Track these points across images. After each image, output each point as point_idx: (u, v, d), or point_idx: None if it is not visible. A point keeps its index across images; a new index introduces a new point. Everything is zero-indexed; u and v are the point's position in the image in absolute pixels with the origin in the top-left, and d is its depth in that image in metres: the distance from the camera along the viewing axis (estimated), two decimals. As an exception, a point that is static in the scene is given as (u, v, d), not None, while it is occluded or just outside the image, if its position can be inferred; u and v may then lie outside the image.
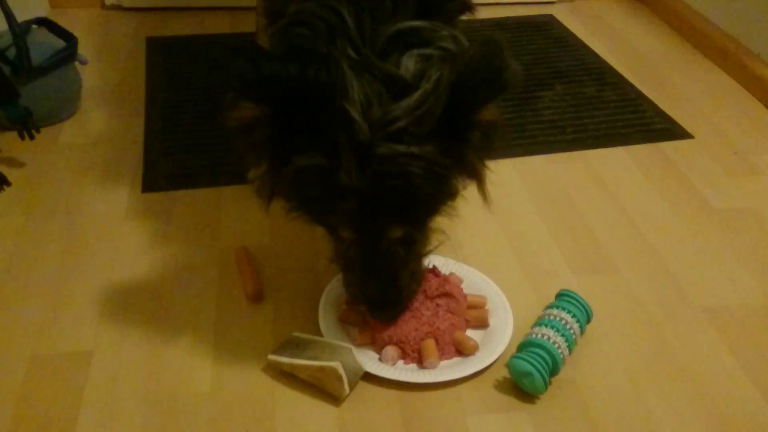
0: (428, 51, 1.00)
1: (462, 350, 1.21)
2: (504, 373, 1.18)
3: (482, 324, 1.26)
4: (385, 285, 1.12)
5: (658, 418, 1.13)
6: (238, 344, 1.23)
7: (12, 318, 1.27)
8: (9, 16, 1.64)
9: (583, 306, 1.23)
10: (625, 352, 1.24)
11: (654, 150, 1.79)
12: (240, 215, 1.52)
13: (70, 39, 1.81)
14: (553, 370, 1.15)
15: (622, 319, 1.31)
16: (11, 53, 1.67)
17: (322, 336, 1.21)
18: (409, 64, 0.98)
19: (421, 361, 1.19)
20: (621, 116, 1.92)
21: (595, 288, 1.37)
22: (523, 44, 2.28)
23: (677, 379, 1.20)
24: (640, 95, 2.02)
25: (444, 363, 1.19)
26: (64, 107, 1.83)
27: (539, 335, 1.17)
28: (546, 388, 1.14)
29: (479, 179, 1.10)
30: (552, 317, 1.20)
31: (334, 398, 1.14)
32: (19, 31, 1.67)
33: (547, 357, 1.14)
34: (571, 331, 1.19)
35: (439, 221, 1.15)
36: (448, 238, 1.19)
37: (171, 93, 1.96)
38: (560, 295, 1.25)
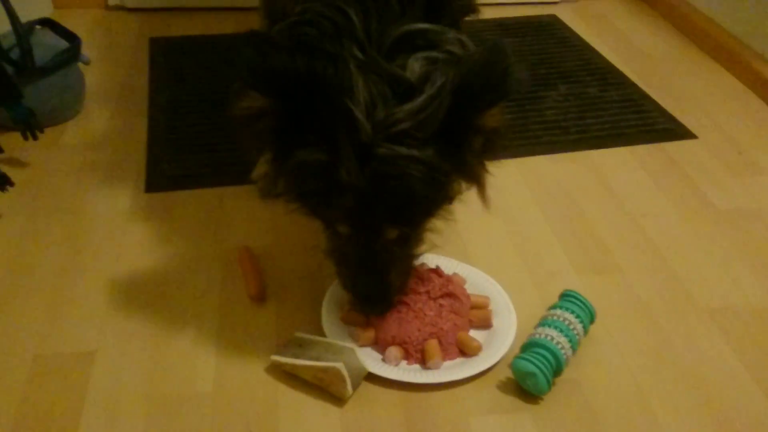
0: (434, 54, 1.01)
1: (465, 351, 1.21)
2: (507, 373, 1.18)
3: (486, 324, 1.26)
4: (376, 280, 1.13)
5: (661, 419, 1.13)
6: (240, 344, 1.23)
7: (15, 318, 1.27)
8: (12, 17, 1.65)
9: (587, 306, 1.23)
10: (628, 352, 1.24)
11: (658, 150, 1.78)
12: (243, 215, 1.52)
13: (73, 39, 1.81)
14: (557, 370, 1.15)
15: (626, 319, 1.30)
16: (15, 54, 1.67)
17: (324, 336, 1.21)
18: (415, 67, 0.99)
19: (424, 362, 1.18)
20: (624, 116, 1.91)
21: (599, 288, 1.36)
22: (527, 44, 2.28)
23: (681, 380, 1.19)
24: (644, 95, 2.01)
25: (447, 363, 1.19)
26: (68, 107, 1.83)
27: (543, 336, 1.17)
28: (549, 388, 1.14)
29: (480, 183, 1.11)
30: (555, 318, 1.20)
31: (337, 399, 1.13)
32: (23, 31, 1.67)
33: (550, 357, 1.14)
34: (575, 332, 1.19)
35: (437, 223, 1.16)
36: (444, 240, 1.19)
37: (174, 93, 1.96)
38: (564, 296, 1.25)
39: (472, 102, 0.98)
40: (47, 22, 1.83)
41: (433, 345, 1.19)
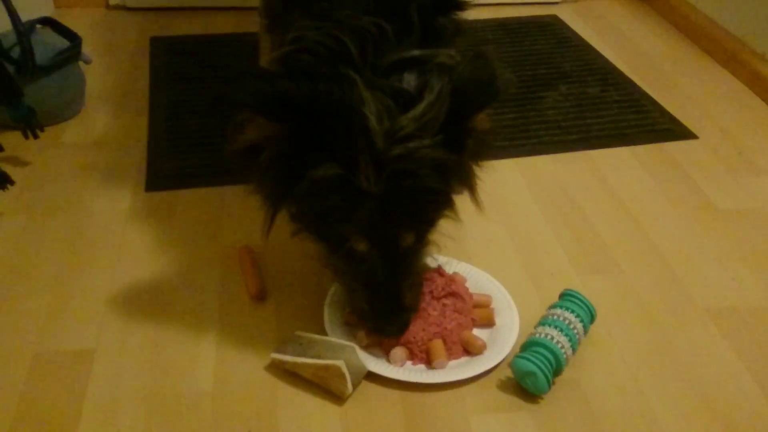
0: (426, 66, 1.05)
1: (470, 350, 1.21)
2: (507, 372, 1.18)
3: (489, 323, 1.26)
4: (394, 297, 1.13)
5: (661, 418, 1.13)
6: (240, 343, 1.23)
7: (15, 316, 1.27)
8: (13, 16, 1.64)
9: (587, 306, 1.23)
10: (628, 352, 1.24)
11: (658, 150, 1.78)
12: (243, 214, 1.52)
13: (74, 38, 1.81)
14: (557, 370, 1.15)
15: (626, 319, 1.30)
16: (15, 52, 1.67)
17: (327, 336, 1.21)
18: (410, 79, 1.03)
19: (429, 362, 1.18)
20: (625, 116, 1.91)
21: (599, 288, 1.36)
22: (527, 44, 2.28)
23: (681, 380, 1.19)
24: (644, 95, 2.01)
25: (452, 363, 1.19)
26: (68, 106, 1.83)
27: (543, 335, 1.17)
28: (549, 388, 1.14)
29: (471, 187, 1.14)
30: (556, 317, 1.20)
31: (337, 397, 1.13)
32: (24, 30, 1.66)
33: (550, 357, 1.13)
34: (575, 331, 1.19)
35: (442, 226, 1.16)
36: (445, 240, 1.20)
37: (175, 93, 1.96)
38: (564, 295, 1.25)
39: (467, 104, 1.03)
40: (48, 21, 1.83)
41: (437, 345, 1.19)
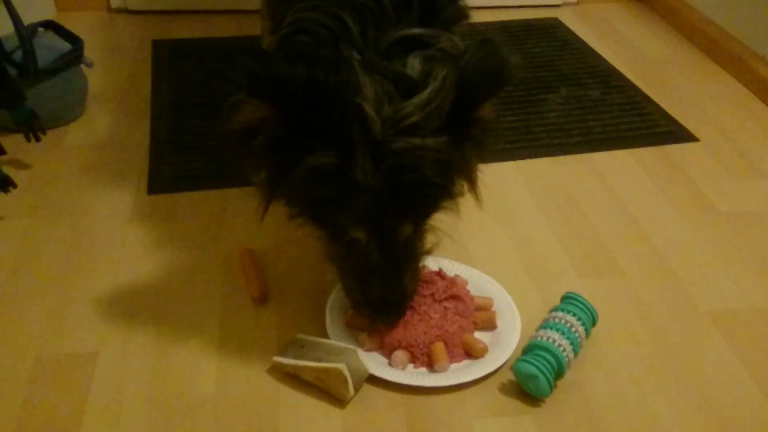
0: (430, 52, 1.02)
1: (471, 353, 1.21)
2: (509, 376, 1.18)
3: (490, 326, 1.26)
4: (391, 286, 1.12)
5: (663, 421, 1.13)
6: (242, 346, 1.23)
7: (17, 319, 1.28)
8: (15, 19, 1.65)
9: (589, 309, 1.23)
10: (630, 355, 1.24)
11: (659, 153, 1.79)
12: (245, 217, 1.52)
13: (76, 42, 1.81)
14: (558, 373, 1.15)
15: (627, 322, 1.30)
16: (18, 56, 1.68)
17: (327, 339, 1.21)
18: (414, 64, 1.00)
19: (431, 365, 1.18)
20: (626, 119, 1.91)
21: (601, 291, 1.36)
22: (528, 47, 2.28)
23: (682, 383, 1.19)
24: (646, 98, 2.01)
25: (454, 366, 1.19)
26: (70, 110, 1.83)
27: (544, 338, 1.17)
28: (551, 391, 1.14)
29: (472, 180, 1.11)
30: (557, 320, 1.20)
31: (338, 400, 1.14)
32: (26, 33, 1.67)
33: (552, 360, 1.13)
34: (577, 334, 1.19)
35: (442, 223, 1.16)
36: (446, 242, 1.19)
37: (176, 95, 1.96)
38: (565, 298, 1.25)
39: (474, 93, 0.99)
40: (50, 25, 1.84)
41: (439, 348, 1.19)
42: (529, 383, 1.14)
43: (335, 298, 1.28)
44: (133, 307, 1.31)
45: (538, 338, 1.18)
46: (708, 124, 1.91)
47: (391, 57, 1.01)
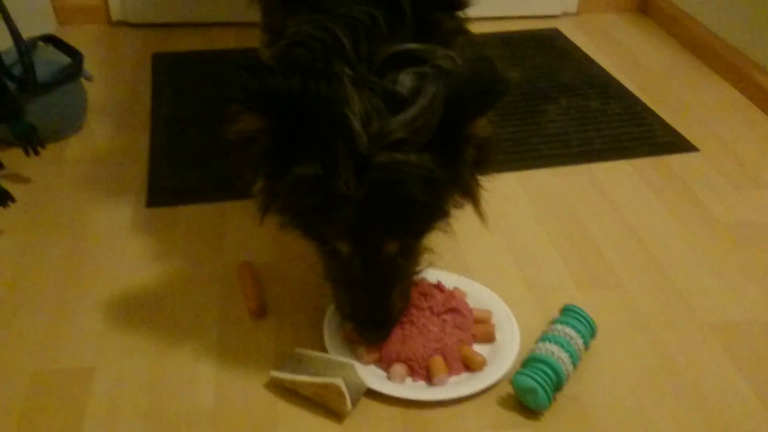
0: (423, 69, 1.03)
1: (470, 366, 1.20)
2: (508, 389, 1.18)
3: (489, 339, 1.25)
4: (376, 302, 1.12)
5: (663, 434, 1.13)
6: (240, 360, 1.23)
7: (15, 333, 1.27)
8: (14, 33, 1.66)
9: (588, 321, 1.22)
10: (629, 367, 1.23)
11: (659, 163, 1.78)
12: (243, 230, 1.52)
13: (75, 55, 1.82)
14: (557, 386, 1.15)
15: (627, 334, 1.30)
16: (17, 69, 1.68)
17: (326, 353, 1.20)
18: (405, 81, 1.01)
19: (429, 378, 1.18)
20: (626, 129, 1.91)
21: (600, 303, 1.36)
22: (528, 58, 2.28)
23: (682, 395, 1.19)
24: (645, 108, 2.01)
25: (452, 379, 1.19)
26: (70, 123, 1.84)
27: (543, 351, 1.17)
28: (550, 404, 1.13)
29: (474, 198, 1.11)
30: (556, 333, 1.19)
31: (336, 415, 1.13)
32: (25, 47, 1.67)
33: (551, 373, 1.13)
34: (576, 347, 1.18)
35: (437, 237, 1.15)
36: (445, 254, 1.19)
37: (176, 108, 1.97)
38: (565, 311, 1.25)
39: (464, 110, 0.99)
40: (50, 38, 1.84)
41: (438, 361, 1.18)
42: (528, 396, 1.13)
43: (333, 312, 1.27)
44: (130, 320, 1.30)
45: (537, 351, 1.17)
46: (708, 134, 1.91)
47: (384, 73, 1.02)
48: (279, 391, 1.17)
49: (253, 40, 2.26)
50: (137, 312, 1.32)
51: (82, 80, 1.85)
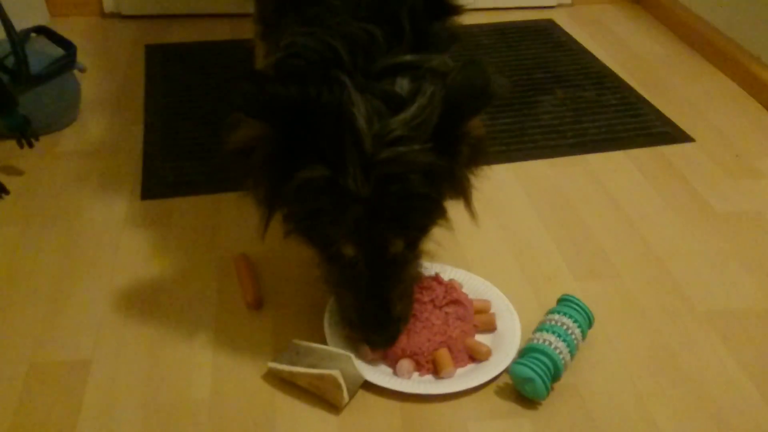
0: (419, 72, 1.05)
1: (475, 356, 1.20)
2: (505, 378, 1.18)
3: (490, 328, 1.25)
4: (382, 305, 1.12)
5: (660, 423, 1.13)
6: (237, 352, 1.23)
7: (10, 326, 1.27)
8: (7, 25, 1.64)
9: (585, 311, 1.22)
10: (627, 357, 1.24)
11: (655, 153, 1.78)
12: (239, 222, 1.51)
13: (68, 47, 1.80)
14: (555, 375, 1.15)
15: (624, 323, 1.30)
16: (10, 62, 1.67)
17: (324, 344, 1.20)
18: (403, 83, 1.03)
19: (437, 372, 1.18)
20: (621, 120, 1.91)
21: (597, 293, 1.36)
22: (523, 49, 2.28)
23: (679, 384, 1.19)
24: (641, 99, 2.01)
25: (459, 371, 1.19)
26: (63, 115, 1.83)
27: (541, 340, 1.17)
28: (547, 393, 1.13)
29: (466, 196, 1.13)
30: (553, 322, 1.19)
31: (334, 406, 1.13)
32: (18, 39, 1.66)
33: (548, 362, 1.13)
34: (573, 337, 1.18)
35: (435, 232, 1.15)
36: (441, 245, 1.19)
37: (170, 100, 1.96)
38: (562, 300, 1.25)
39: (460, 109, 1.02)
40: (42, 30, 1.82)
41: (444, 354, 1.18)
42: (526, 386, 1.13)
43: (333, 303, 1.26)
44: (126, 312, 1.30)
45: (535, 341, 1.17)
46: (703, 124, 1.91)
47: (382, 78, 1.03)
48: (276, 383, 1.17)
49: (245, 31, 2.25)
50: (133, 304, 1.32)
51: (76, 72, 1.84)
